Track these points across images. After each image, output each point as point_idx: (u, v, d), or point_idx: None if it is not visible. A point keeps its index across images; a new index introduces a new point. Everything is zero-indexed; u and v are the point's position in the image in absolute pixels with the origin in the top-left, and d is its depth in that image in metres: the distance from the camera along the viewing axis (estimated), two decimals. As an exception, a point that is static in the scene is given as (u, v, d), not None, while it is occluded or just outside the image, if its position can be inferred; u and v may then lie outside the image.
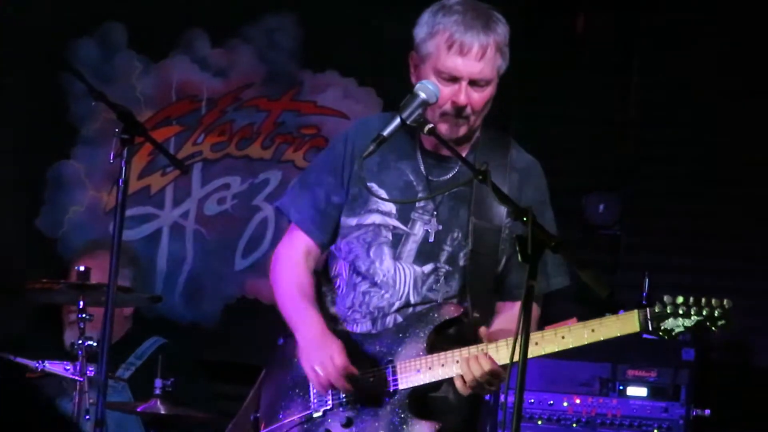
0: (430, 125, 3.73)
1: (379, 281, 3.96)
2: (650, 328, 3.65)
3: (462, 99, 3.83)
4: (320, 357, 3.87)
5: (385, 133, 3.69)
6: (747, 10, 6.62)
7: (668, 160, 6.70)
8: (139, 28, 7.10)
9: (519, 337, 3.25)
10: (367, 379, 3.92)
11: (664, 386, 5.78)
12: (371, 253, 3.98)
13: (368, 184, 3.97)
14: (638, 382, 5.80)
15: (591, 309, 5.62)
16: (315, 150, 6.88)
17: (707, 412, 5.73)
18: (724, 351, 6.48)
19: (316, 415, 3.97)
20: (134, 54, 7.11)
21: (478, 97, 3.86)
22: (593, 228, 6.65)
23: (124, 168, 4.17)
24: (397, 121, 3.70)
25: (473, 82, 3.84)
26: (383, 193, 3.97)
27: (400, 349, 3.90)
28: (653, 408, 5.75)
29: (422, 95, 3.73)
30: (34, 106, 7.06)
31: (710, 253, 6.58)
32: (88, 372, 5.24)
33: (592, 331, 3.69)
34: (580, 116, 6.80)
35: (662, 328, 3.65)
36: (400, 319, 3.94)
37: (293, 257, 4.09)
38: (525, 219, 3.38)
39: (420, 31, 3.90)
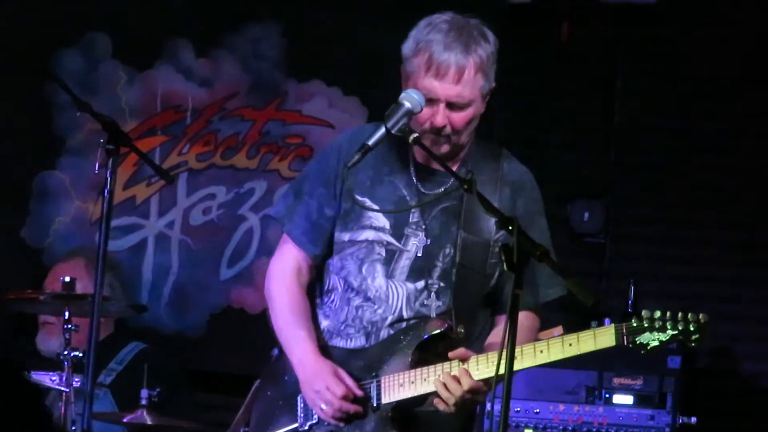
0: (415, 134, 3.71)
1: (372, 296, 3.92)
2: (625, 343, 3.66)
3: (439, 121, 3.80)
4: (320, 393, 3.85)
5: (370, 142, 3.67)
6: (729, 19, 6.64)
7: (652, 168, 6.71)
8: (123, 39, 7.07)
9: (506, 342, 3.26)
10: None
11: (650, 394, 5.78)
12: (363, 270, 3.94)
13: (360, 198, 3.94)
14: (624, 389, 5.80)
15: (576, 317, 5.65)
16: (300, 159, 6.87)
17: (693, 419, 5.73)
18: (710, 358, 6.48)
19: (302, 429, 3.96)
20: (119, 64, 7.09)
21: (458, 117, 3.82)
22: (578, 236, 6.65)
23: (109, 178, 4.16)
24: (382, 130, 3.68)
25: (451, 104, 3.80)
26: (373, 206, 3.94)
27: (386, 364, 3.88)
28: (639, 416, 5.76)
29: (407, 104, 3.71)
30: (19, 117, 7.04)
31: (695, 261, 6.59)
32: (74, 383, 5.22)
33: (570, 345, 3.70)
34: (564, 124, 6.80)
35: (637, 342, 3.66)
36: (392, 333, 3.93)
37: (285, 274, 4.04)
38: (510, 228, 3.39)
39: (406, 48, 3.87)
